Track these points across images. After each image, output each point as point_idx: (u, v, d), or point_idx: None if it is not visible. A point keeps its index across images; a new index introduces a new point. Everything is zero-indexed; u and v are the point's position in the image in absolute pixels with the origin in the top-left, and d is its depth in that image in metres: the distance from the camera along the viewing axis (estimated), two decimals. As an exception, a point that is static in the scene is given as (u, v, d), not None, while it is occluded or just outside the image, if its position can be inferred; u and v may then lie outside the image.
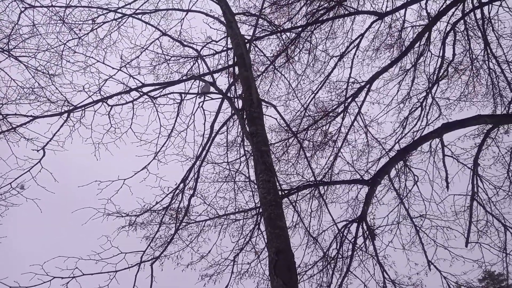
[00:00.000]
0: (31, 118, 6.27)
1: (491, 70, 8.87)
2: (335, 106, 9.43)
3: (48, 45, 7.54)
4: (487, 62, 8.92)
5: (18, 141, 6.59)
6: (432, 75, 9.31)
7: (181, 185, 7.14)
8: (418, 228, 7.30)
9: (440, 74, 9.01)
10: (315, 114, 9.43)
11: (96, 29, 7.89)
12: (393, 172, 8.23)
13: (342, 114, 9.33)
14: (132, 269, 6.00)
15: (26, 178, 6.17)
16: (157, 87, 7.10)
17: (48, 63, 7.39)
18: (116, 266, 5.70)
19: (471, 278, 6.71)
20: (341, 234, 7.24)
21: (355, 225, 7.64)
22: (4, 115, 6.47)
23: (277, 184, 6.14)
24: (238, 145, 8.57)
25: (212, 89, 7.00)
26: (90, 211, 6.05)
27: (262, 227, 7.12)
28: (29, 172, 6.08)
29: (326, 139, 9.13)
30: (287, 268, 4.67)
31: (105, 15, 7.85)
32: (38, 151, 6.23)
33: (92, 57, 6.97)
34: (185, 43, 7.89)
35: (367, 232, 7.32)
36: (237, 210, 7.53)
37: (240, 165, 8.21)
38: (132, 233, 6.72)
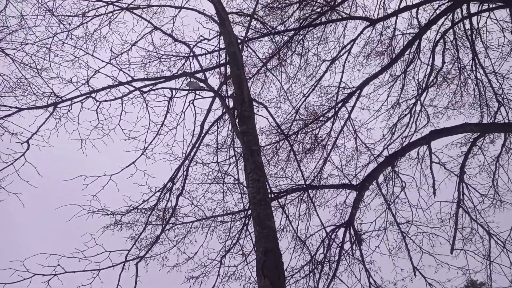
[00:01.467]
0: (15, 110, 6.09)
1: (478, 80, 9.05)
2: (326, 110, 9.47)
3: (36, 38, 7.38)
4: (474, 72, 9.10)
5: (2, 135, 6.41)
6: (421, 83, 9.45)
7: (169, 184, 7.03)
8: (404, 234, 7.34)
9: (430, 81, 9.14)
10: (306, 118, 9.45)
11: (86, 23, 7.76)
12: (381, 178, 8.28)
13: (332, 119, 9.38)
14: (116, 268, 5.86)
15: (9, 172, 5.98)
16: (147, 82, 7.00)
17: (35, 56, 7.23)
18: (99, 264, 5.56)
19: (455, 285, 6.77)
20: (328, 238, 7.22)
21: (342, 229, 7.64)
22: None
23: (267, 185, 6.11)
24: (228, 146, 8.50)
25: (202, 86, 6.94)
26: (74, 207, 5.89)
27: (250, 229, 7.06)
28: (13, 166, 5.91)
29: (316, 143, 9.14)
30: (275, 268, 4.62)
31: (96, 9, 7.74)
32: (22, 143, 6.07)
33: (81, 49, 6.83)
34: (176, 38, 7.82)
35: (354, 237, 7.32)
36: (225, 212, 7.44)
37: (230, 166, 8.15)
38: (117, 232, 6.58)
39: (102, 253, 5.58)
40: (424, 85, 9.38)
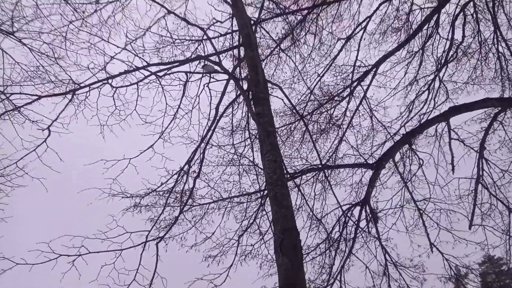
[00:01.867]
0: (35, 97, 6.24)
1: (500, 54, 8.73)
2: (341, 90, 9.34)
3: (52, 26, 7.47)
4: (496, 45, 8.77)
5: (23, 122, 6.59)
6: (440, 58, 9.18)
7: (186, 166, 7.15)
8: (421, 211, 7.29)
9: (449, 56, 8.87)
10: (321, 98, 9.36)
11: (100, 10, 7.79)
12: (397, 156, 8.19)
13: (347, 98, 9.26)
14: (137, 249, 6.07)
15: (32, 158, 6.18)
16: (162, 67, 7.05)
17: (52, 45, 7.33)
18: (121, 245, 5.77)
19: (473, 260, 6.73)
20: (344, 217, 7.25)
21: (358, 208, 7.64)
22: (8, 94, 6.44)
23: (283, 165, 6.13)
24: (242, 129, 8.54)
25: (217, 68, 6.95)
26: (95, 191, 6.08)
27: (266, 209, 7.15)
28: (35, 152, 6.09)
29: (331, 123, 9.07)
30: (292, 247, 4.69)
31: (109, -6, 7.74)
32: (43, 130, 6.24)
33: (96, 35, 6.89)
34: (190, 21, 7.79)
35: (370, 215, 7.32)
36: (241, 193, 7.54)
37: (245, 148, 8.21)
38: (137, 215, 6.78)
39: (123, 234, 5.79)
40: (443, 61, 9.11)
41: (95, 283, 5.50)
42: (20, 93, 6.49)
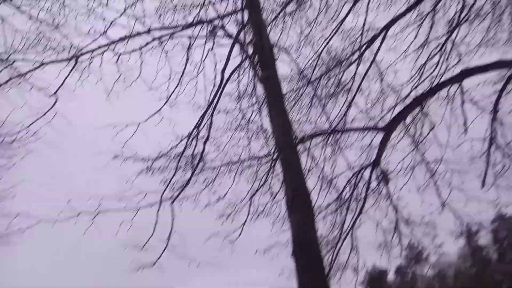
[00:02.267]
0: (39, 64, 6.20)
1: (514, 14, 8.42)
2: (349, 54, 9.13)
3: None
4: (510, 6, 8.46)
5: (30, 89, 6.56)
6: (452, 20, 8.89)
7: (195, 131, 7.14)
8: (433, 172, 7.25)
9: (461, 18, 8.58)
10: (328, 63, 9.16)
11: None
12: (408, 119, 8.08)
13: (356, 62, 9.06)
14: (153, 208, 6.20)
15: (41, 124, 6.20)
16: (164, 32, 6.93)
17: (50, 11, 7.18)
18: (138, 204, 5.92)
19: (485, 218, 6.73)
20: (355, 177, 7.25)
21: (368, 170, 7.62)
22: (11, 61, 6.39)
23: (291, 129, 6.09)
24: (249, 94, 8.43)
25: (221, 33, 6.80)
26: (107, 155, 6.13)
27: (277, 171, 7.13)
28: (44, 118, 6.11)
29: (340, 87, 8.92)
30: (304, 203, 4.71)
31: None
32: (50, 96, 6.24)
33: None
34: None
35: (381, 177, 7.31)
36: (251, 157, 7.54)
37: (252, 113, 8.14)
38: (150, 178, 6.85)
39: (138, 194, 5.92)
40: (455, 23, 8.82)
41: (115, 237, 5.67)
42: (23, 59, 6.45)
